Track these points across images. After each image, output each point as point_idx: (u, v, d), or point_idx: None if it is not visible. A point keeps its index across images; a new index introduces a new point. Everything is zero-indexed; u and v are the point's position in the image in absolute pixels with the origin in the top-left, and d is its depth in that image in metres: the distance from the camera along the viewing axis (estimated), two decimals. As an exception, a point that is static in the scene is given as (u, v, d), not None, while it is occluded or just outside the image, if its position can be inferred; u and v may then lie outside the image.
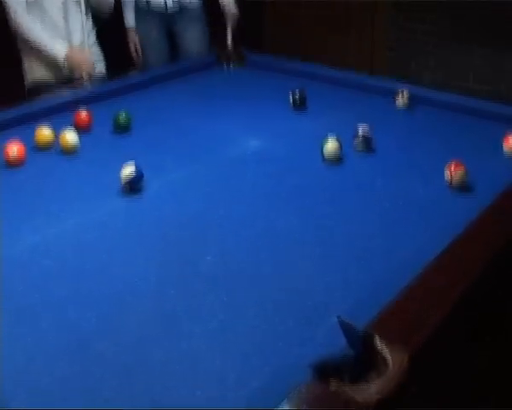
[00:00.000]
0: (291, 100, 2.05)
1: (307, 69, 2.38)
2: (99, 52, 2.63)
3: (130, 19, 3.00)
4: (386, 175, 1.62)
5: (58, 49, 2.40)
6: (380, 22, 3.80)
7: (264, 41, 3.90)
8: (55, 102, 2.06)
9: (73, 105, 1.95)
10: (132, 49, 3.01)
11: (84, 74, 2.41)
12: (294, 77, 2.32)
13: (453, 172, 1.50)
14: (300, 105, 2.05)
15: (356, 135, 1.73)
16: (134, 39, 3.01)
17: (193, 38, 3.02)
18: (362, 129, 1.73)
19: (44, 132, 1.74)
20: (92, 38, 2.58)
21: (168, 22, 3.03)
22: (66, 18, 2.46)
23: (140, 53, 3.01)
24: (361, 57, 3.84)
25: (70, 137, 1.69)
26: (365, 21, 3.83)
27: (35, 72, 2.52)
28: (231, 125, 1.96)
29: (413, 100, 2.04)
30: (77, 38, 2.48)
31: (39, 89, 2.48)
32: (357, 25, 3.88)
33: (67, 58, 2.39)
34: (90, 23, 2.57)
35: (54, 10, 2.44)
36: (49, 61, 2.45)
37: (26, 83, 2.56)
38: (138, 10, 2.99)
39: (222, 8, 2.96)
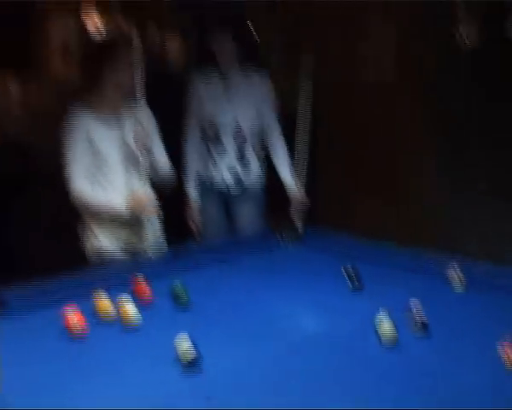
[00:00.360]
0: (345, 276, 2.08)
1: (362, 245, 2.43)
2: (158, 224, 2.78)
3: (193, 192, 3.15)
4: (440, 357, 1.60)
5: (119, 202, 2.51)
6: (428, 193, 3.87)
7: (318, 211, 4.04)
8: (115, 270, 2.16)
9: (133, 274, 2.02)
10: (192, 221, 3.15)
11: (148, 213, 2.53)
12: (350, 253, 2.36)
13: (509, 353, 1.47)
14: (355, 281, 2.07)
15: (412, 318, 1.72)
16: (195, 212, 3.15)
17: (250, 216, 3.14)
18: (417, 311, 1.72)
19: (103, 302, 1.79)
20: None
21: (228, 199, 3.18)
22: (127, 184, 2.60)
23: (200, 225, 3.14)
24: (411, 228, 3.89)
25: (129, 308, 1.74)
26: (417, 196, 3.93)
27: (95, 239, 2.65)
28: (287, 301, 1.99)
29: (466, 277, 2.04)
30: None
31: (99, 257, 2.60)
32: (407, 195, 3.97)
33: (130, 201, 2.50)
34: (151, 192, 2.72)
35: (115, 177, 2.59)
36: (112, 230, 2.59)
37: (86, 250, 2.68)
38: (200, 185, 3.16)
39: (288, 191, 3.10)
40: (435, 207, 3.82)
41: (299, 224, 2.85)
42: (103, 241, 2.62)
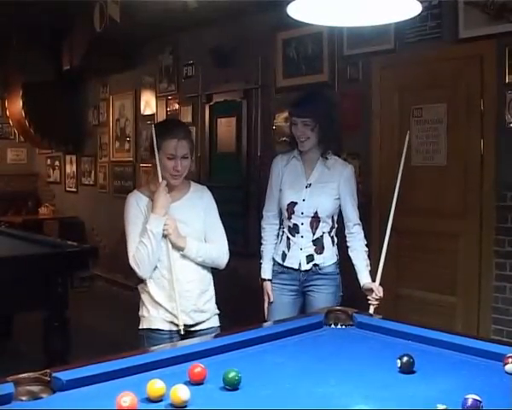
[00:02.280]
0: (399, 364, 2.02)
1: (414, 332, 2.38)
2: (215, 306, 2.83)
3: (267, 270, 3.19)
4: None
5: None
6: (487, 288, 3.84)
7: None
8: (170, 353, 2.14)
9: (189, 357, 2.04)
10: (266, 299, 3.16)
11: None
12: (402, 338, 2.34)
13: None
14: (408, 371, 2.02)
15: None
16: (268, 290, 3.17)
17: (324, 299, 3.12)
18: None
19: (156, 386, 1.77)
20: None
21: (301, 280, 3.18)
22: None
23: (271, 298, 3.15)
24: (468, 319, 3.85)
25: (182, 394, 1.72)
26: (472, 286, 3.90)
27: (151, 320, 2.70)
28: (337, 387, 1.94)
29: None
30: None
31: (153, 337, 2.63)
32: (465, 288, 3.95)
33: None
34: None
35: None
36: (167, 315, 2.64)
37: (140, 329, 2.73)
38: (274, 265, 3.19)
39: (362, 285, 3.10)
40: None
41: (371, 314, 2.86)
42: (158, 321, 2.68)
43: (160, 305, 2.70)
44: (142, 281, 2.75)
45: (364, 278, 3.12)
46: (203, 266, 2.78)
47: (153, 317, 2.72)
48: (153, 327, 2.72)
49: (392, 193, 3.03)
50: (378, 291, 3.01)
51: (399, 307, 4.17)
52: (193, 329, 2.73)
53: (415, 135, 4.34)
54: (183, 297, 2.68)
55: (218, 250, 2.80)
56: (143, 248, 2.63)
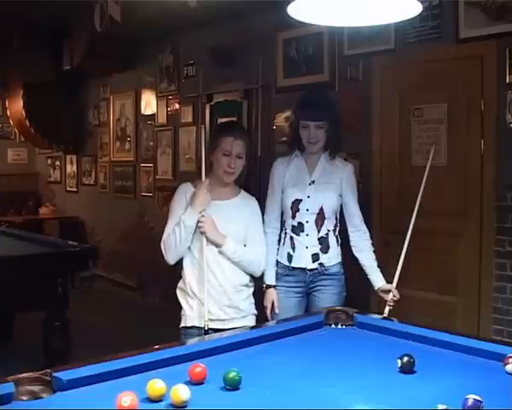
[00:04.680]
0: (399, 364, 2.02)
1: (414, 332, 2.38)
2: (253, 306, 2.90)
3: (270, 276, 3.16)
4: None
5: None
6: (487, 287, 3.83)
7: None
8: (170, 353, 2.13)
9: (189, 357, 2.05)
10: (269, 305, 3.15)
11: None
12: (402, 338, 2.34)
13: None
14: (409, 371, 2.02)
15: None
16: (272, 296, 3.15)
17: (329, 300, 3.10)
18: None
19: (156, 386, 1.77)
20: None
21: (306, 281, 3.16)
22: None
23: (276, 310, 3.13)
24: (468, 319, 3.84)
25: (182, 394, 1.72)
26: (472, 286, 3.90)
27: (186, 318, 2.84)
28: (337, 387, 1.94)
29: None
30: None
31: (189, 334, 2.77)
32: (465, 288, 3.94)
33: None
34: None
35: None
36: (201, 312, 2.74)
37: (180, 327, 2.87)
38: (278, 268, 3.17)
39: (375, 287, 3.11)
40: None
41: (385, 316, 2.88)
42: (192, 319, 2.81)
43: (196, 296, 2.79)
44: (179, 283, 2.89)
45: (379, 279, 3.12)
46: None
47: (188, 315, 2.82)
48: (188, 325, 2.82)
49: (415, 202, 3.12)
50: (396, 293, 3.03)
51: (399, 307, 4.15)
52: (227, 326, 2.76)
53: (415, 135, 4.34)
54: (217, 291, 2.78)
55: (256, 256, 2.88)
56: (173, 235, 2.76)
